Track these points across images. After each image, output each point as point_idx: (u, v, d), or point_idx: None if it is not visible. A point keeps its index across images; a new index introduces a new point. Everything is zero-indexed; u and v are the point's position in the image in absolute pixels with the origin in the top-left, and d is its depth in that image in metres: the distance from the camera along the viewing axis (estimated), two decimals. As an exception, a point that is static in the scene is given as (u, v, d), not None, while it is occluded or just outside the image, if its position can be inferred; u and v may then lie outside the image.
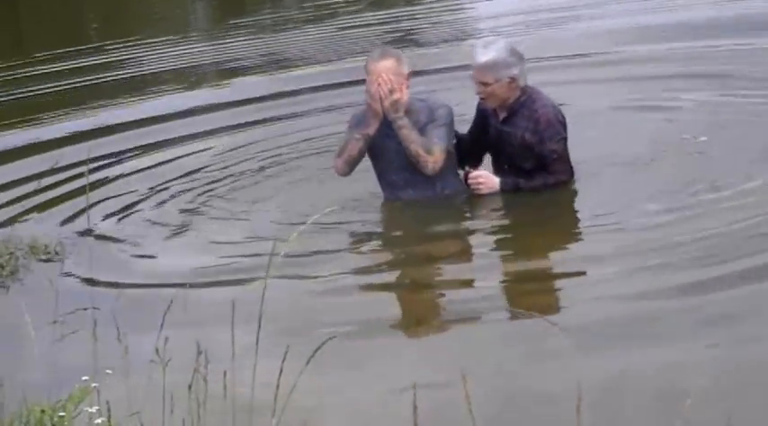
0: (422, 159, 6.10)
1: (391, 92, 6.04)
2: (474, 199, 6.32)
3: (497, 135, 6.21)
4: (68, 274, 6.00)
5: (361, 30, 13.84)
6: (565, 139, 6.16)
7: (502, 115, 6.16)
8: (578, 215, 6.26)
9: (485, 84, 6.04)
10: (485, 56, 6.04)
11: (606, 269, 5.38)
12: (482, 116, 6.35)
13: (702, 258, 5.38)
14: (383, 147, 6.23)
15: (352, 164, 6.28)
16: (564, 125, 6.16)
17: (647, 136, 7.44)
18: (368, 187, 6.54)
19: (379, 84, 6.03)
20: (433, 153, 6.10)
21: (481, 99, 6.18)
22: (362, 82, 6.40)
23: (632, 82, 9.09)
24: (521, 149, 6.12)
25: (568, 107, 7.49)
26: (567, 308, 5.06)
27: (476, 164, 6.44)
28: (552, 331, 4.78)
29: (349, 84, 9.99)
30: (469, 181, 6.18)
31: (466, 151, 6.38)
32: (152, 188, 7.66)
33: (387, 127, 6.17)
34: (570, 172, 6.23)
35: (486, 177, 6.14)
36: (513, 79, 6.04)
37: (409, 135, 6.07)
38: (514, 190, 6.13)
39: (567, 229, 6.11)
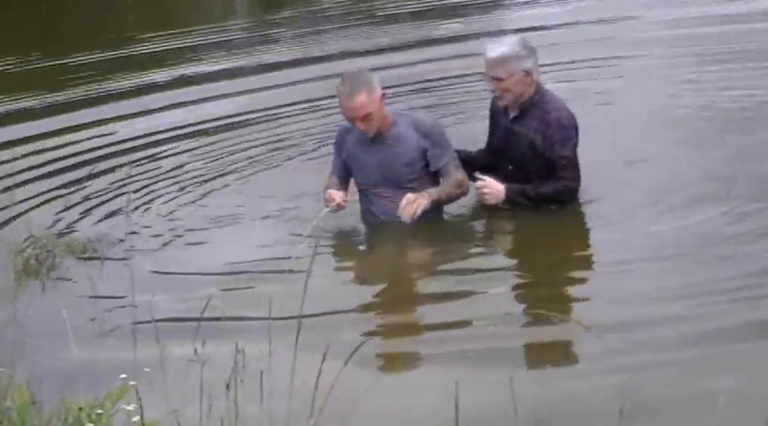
0: (460, 191, 6.20)
1: (411, 214, 6.00)
2: (481, 213, 6.35)
3: (506, 134, 6.17)
4: (106, 272, 6.09)
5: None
6: (575, 145, 6.10)
7: (513, 113, 6.13)
8: (594, 219, 6.27)
9: (498, 80, 6.01)
10: (495, 50, 6.01)
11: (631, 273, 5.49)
12: (493, 118, 6.33)
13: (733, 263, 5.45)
14: (363, 164, 6.26)
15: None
16: (576, 130, 6.10)
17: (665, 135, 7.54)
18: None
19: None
20: (461, 183, 6.18)
21: (496, 97, 6.13)
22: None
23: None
24: (529, 151, 6.08)
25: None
26: (601, 313, 5.12)
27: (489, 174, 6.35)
28: (589, 335, 4.86)
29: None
30: (476, 191, 6.13)
31: (486, 162, 6.31)
32: (191, 185, 7.76)
33: (365, 144, 6.21)
34: (579, 179, 6.15)
35: (490, 186, 6.07)
36: (527, 72, 6.00)
37: (441, 195, 6.11)
38: (521, 196, 6.06)
39: (586, 237, 6.15)
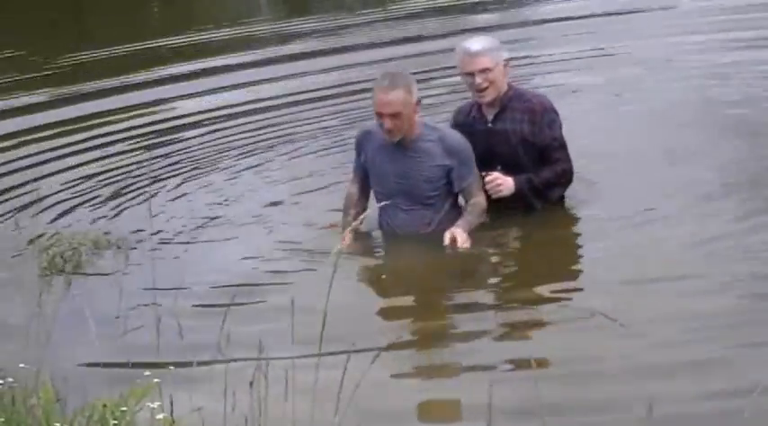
0: (483, 217, 6.16)
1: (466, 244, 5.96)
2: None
3: (486, 137, 6.22)
4: (131, 269, 6.17)
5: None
6: (561, 126, 6.22)
7: (491, 115, 6.22)
8: (612, 212, 6.33)
9: (485, 71, 6.08)
10: (476, 44, 6.13)
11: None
12: (465, 129, 6.28)
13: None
14: (381, 172, 6.18)
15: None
16: (557, 113, 6.23)
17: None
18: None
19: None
20: (485, 210, 6.14)
21: (479, 92, 6.13)
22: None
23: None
24: (519, 145, 6.17)
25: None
26: (629, 308, 5.15)
27: None
28: (616, 332, 4.89)
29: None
30: (487, 186, 6.13)
31: None
32: (217, 180, 7.83)
33: (386, 151, 6.13)
34: (570, 160, 6.25)
35: (502, 178, 6.11)
36: (507, 62, 6.16)
37: (471, 226, 6.06)
38: (528, 184, 6.14)
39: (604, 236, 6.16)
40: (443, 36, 12.19)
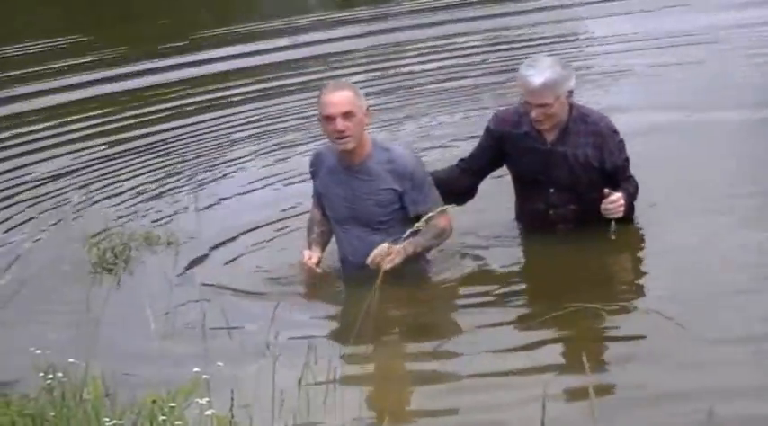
0: (441, 240, 5.79)
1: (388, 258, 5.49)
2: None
3: (545, 158, 6.02)
4: (181, 266, 6.20)
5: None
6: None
7: (551, 136, 6.00)
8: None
9: (545, 106, 5.85)
10: (540, 76, 5.82)
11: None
12: (500, 141, 6.09)
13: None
14: (332, 195, 5.80)
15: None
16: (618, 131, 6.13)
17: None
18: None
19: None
20: (443, 232, 5.73)
21: (537, 122, 5.90)
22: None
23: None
24: (579, 168, 6.00)
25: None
26: (686, 306, 5.15)
27: (470, 196, 6.22)
28: (673, 330, 4.88)
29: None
30: (609, 206, 5.86)
31: (469, 185, 6.17)
32: (267, 177, 7.87)
33: (336, 173, 5.75)
34: None
35: (623, 200, 5.87)
36: (570, 92, 5.93)
37: (418, 247, 5.66)
38: (630, 201, 5.96)
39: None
40: (500, 15, 12.16)
